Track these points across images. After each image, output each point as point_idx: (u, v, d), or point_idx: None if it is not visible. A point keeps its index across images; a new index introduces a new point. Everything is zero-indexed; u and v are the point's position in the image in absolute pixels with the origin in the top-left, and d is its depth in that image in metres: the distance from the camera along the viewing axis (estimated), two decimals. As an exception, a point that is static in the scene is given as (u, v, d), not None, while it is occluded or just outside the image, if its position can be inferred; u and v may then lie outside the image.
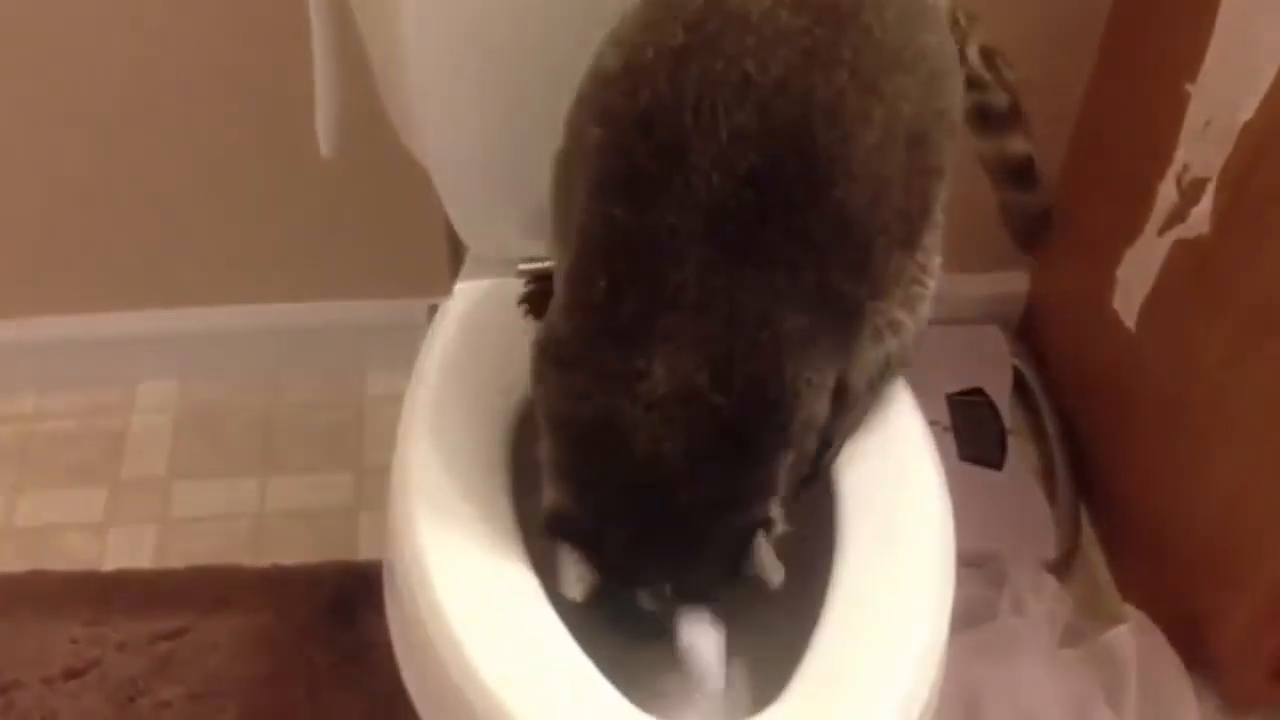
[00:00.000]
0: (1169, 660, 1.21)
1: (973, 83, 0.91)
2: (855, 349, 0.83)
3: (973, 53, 0.91)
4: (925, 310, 0.89)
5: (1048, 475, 1.44)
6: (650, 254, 0.75)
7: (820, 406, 0.81)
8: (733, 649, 1.03)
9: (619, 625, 0.82)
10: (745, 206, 0.74)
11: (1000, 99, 0.93)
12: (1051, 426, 1.46)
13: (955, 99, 0.84)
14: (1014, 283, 1.55)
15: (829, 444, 0.89)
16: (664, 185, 0.74)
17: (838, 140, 0.75)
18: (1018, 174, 0.97)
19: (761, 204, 0.74)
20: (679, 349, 0.75)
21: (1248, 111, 1.01)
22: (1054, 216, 0.98)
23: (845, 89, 0.75)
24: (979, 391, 1.49)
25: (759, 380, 0.76)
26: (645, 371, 0.75)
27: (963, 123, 0.91)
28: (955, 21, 0.88)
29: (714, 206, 0.74)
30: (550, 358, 0.80)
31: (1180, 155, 1.12)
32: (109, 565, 1.39)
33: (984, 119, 0.94)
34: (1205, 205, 1.09)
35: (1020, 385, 1.51)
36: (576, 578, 0.79)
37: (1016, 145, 0.96)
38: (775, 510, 0.81)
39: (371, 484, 1.45)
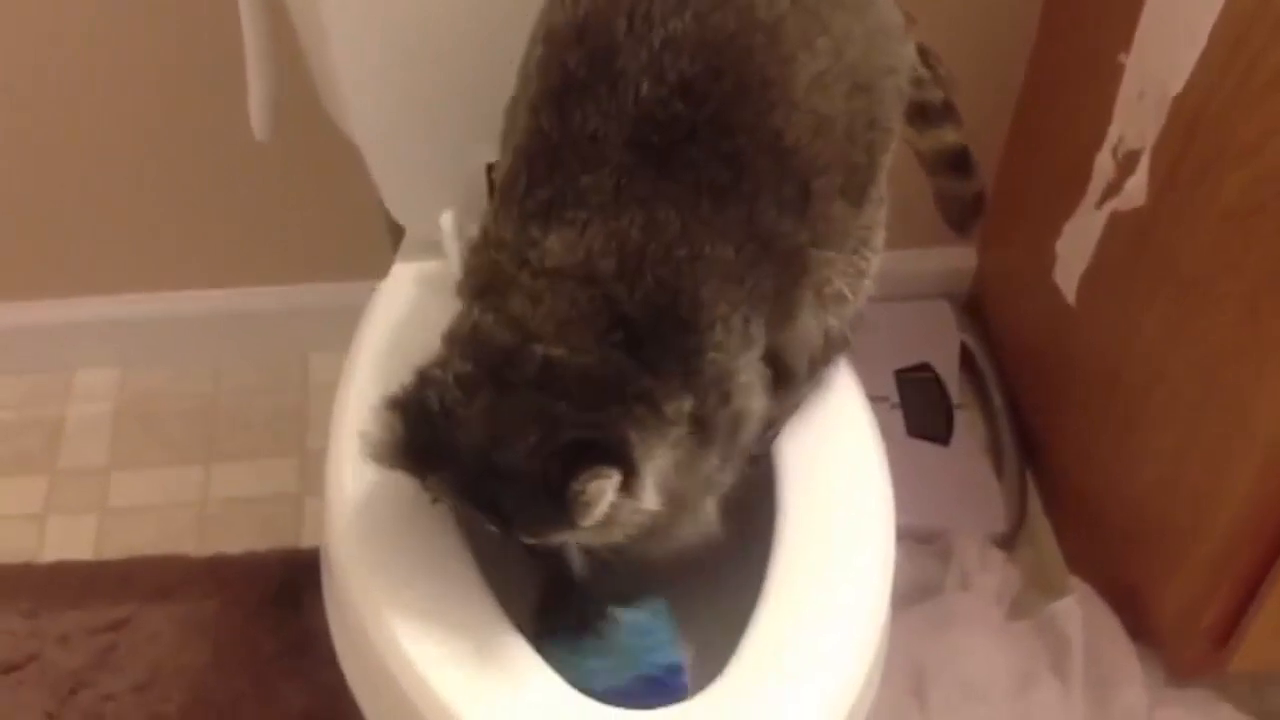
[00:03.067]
0: (1114, 631, 1.22)
1: (912, 80, 0.92)
2: (796, 303, 0.82)
3: (910, 51, 0.91)
4: (865, 288, 0.88)
5: (995, 449, 1.45)
6: (567, 156, 0.75)
7: (734, 354, 0.77)
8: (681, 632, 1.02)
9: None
10: (673, 117, 0.74)
11: (936, 94, 0.95)
12: (998, 401, 1.47)
13: (902, 66, 0.85)
14: (962, 258, 1.55)
15: (770, 424, 0.89)
16: (590, 91, 0.75)
17: (778, 60, 0.75)
18: (955, 163, 0.98)
19: (691, 117, 0.74)
20: (583, 234, 0.74)
21: (1178, 85, 1.01)
22: (986, 200, 0.99)
23: (786, 13, 0.76)
24: (927, 367, 1.50)
25: (670, 289, 0.74)
26: (537, 241, 0.75)
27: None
28: None
29: (640, 114, 0.74)
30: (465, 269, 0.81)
31: (1115, 127, 1.12)
32: (48, 557, 1.37)
33: (922, 115, 0.95)
34: (1140, 177, 1.09)
35: (968, 360, 1.51)
36: None
37: (951, 136, 0.97)
38: (644, 460, 0.73)
39: (316, 469, 1.41)
